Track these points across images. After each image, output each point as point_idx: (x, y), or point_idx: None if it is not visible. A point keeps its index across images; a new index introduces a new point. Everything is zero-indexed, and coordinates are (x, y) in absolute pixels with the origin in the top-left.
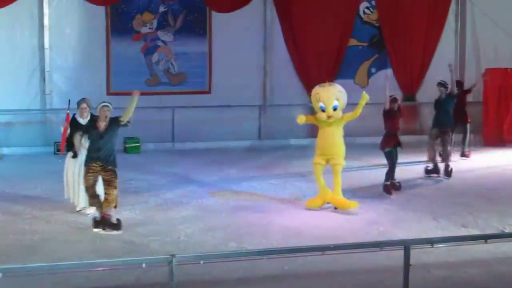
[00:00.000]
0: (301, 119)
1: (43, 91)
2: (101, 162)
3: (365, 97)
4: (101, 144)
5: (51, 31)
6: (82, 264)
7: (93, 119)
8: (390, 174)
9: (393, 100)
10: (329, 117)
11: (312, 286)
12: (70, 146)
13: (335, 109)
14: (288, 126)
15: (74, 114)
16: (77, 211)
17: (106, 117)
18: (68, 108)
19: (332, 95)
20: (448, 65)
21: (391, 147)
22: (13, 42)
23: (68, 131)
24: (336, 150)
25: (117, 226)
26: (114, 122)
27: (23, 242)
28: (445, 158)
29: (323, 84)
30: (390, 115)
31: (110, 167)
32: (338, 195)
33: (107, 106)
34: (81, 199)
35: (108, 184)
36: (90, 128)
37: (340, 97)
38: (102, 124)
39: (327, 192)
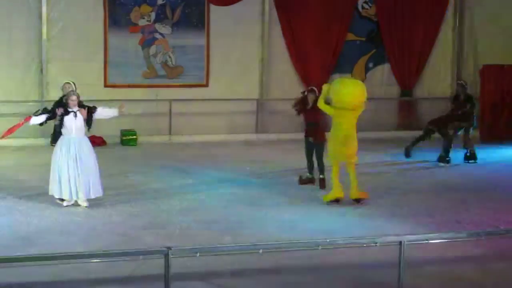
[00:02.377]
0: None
1: (40, 82)
2: None
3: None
4: None
5: (49, 22)
6: (78, 256)
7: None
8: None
9: (311, 90)
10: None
11: (307, 280)
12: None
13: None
14: (285, 120)
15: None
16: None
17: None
18: (34, 114)
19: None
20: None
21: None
22: (10, 34)
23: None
24: (352, 150)
25: None
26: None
27: (18, 234)
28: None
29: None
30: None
31: None
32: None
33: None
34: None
35: None
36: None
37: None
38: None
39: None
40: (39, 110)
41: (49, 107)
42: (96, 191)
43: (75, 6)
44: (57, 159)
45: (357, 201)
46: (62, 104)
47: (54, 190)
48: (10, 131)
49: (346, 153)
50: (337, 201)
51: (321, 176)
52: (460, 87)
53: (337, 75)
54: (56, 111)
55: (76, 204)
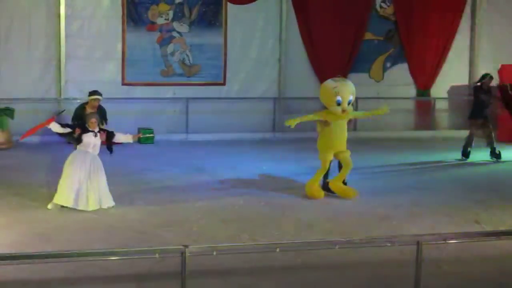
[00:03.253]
0: (291, 122)
1: (59, 80)
2: None
3: (385, 110)
4: None
5: (67, 20)
6: (95, 253)
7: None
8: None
9: None
10: (343, 111)
11: (324, 279)
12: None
13: (349, 103)
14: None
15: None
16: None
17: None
18: (57, 114)
19: (350, 90)
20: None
21: None
22: (29, 31)
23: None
24: (345, 143)
25: None
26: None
27: (36, 231)
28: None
29: (337, 79)
30: None
31: None
32: (340, 182)
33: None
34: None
35: None
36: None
37: (354, 93)
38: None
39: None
40: (62, 110)
41: (67, 115)
42: (109, 201)
43: (93, 4)
44: (72, 171)
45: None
46: (81, 123)
47: (65, 200)
48: (31, 131)
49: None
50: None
51: None
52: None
53: (355, 74)
54: (76, 130)
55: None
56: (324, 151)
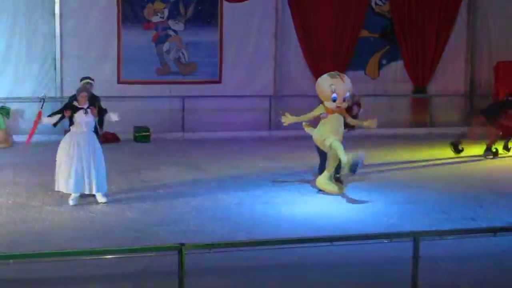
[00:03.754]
0: (287, 120)
1: (54, 79)
2: None
3: (373, 124)
4: None
5: (62, 19)
6: (92, 252)
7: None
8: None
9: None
10: (338, 107)
11: (321, 276)
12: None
13: (344, 99)
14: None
15: (73, 101)
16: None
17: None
18: (41, 104)
19: (346, 87)
20: None
21: None
22: (25, 30)
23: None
24: (341, 137)
25: None
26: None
27: (33, 229)
28: None
29: (333, 74)
30: None
31: None
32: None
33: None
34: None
35: None
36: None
37: (351, 89)
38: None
39: None
40: (43, 97)
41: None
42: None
43: (89, 3)
44: (68, 154)
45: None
46: (71, 104)
47: (63, 186)
48: (30, 135)
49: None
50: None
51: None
52: None
53: (351, 71)
54: (65, 113)
55: (88, 202)
56: (330, 136)
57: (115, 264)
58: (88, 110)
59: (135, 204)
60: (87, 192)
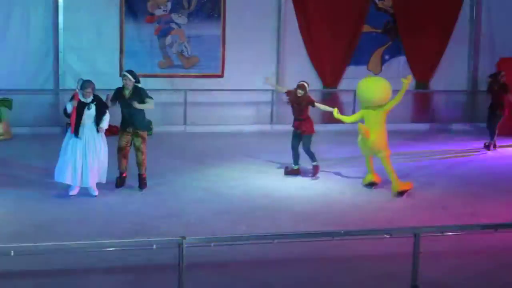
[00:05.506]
0: (340, 117)
1: (57, 71)
2: (133, 128)
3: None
4: (129, 111)
5: (65, 11)
6: (93, 245)
7: (119, 90)
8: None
9: (300, 86)
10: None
11: (321, 271)
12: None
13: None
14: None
15: (76, 91)
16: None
17: (127, 85)
18: (77, 88)
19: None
20: None
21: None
22: (27, 22)
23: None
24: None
25: (141, 185)
26: (138, 94)
27: (35, 222)
28: None
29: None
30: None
31: (140, 133)
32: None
33: (125, 75)
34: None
35: (137, 149)
36: (118, 96)
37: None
38: (126, 92)
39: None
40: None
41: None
42: (103, 177)
43: None
44: (68, 146)
45: (400, 193)
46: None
47: (62, 176)
48: (73, 121)
49: (370, 147)
50: (371, 184)
51: (314, 163)
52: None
53: (353, 67)
54: (67, 107)
55: (84, 193)
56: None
57: (116, 256)
58: (92, 104)
59: (137, 197)
60: (78, 185)
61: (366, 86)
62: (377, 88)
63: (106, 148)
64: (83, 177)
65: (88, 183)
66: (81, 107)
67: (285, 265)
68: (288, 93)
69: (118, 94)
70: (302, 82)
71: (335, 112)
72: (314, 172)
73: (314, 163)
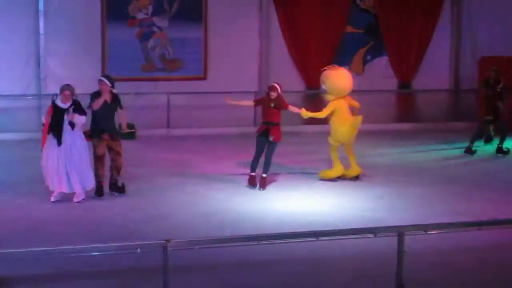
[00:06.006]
0: (305, 113)
1: (38, 76)
2: (109, 134)
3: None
4: (106, 115)
5: (46, 16)
6: (77, 249)
7: (98, 93)
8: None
9: (271, 88)
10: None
11: (306, 272)
12: (55, 132)
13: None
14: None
15: (54, 100)
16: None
17: (103, 90)
18: (52, 102)
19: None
20: None
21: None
22: (8, 27)
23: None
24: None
25: (123, 189)
26: (118, 99)
27: (19, 227)
28: None
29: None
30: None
31: (117, 137)
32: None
33: (102, 80)
34: (75, 184)
35: (117, 153)
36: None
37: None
38: (107, 97)
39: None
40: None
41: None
42: (90, 182)
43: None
44: (50, 153)
45: (357, 177)
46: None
47: (48, 183)
48: (44, 135)
49: (348, 137)
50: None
51: (264, 175)
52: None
53: None
54: (44, 117)
55: (68, 198)
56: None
57: (101, 260)
58: (70, 109)
59: (121, 201)
60: (64, 191)
61: (341, 76)
62: (349, 77)
63: (88, 153)
64: (66, 183)
65: (72, 189)
66: (60, 114)
67: (271, 266)
68: (258, 102)
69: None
70: (273, 84)
71: (304, 112)
72: (262, 184)
73: (265, 175)
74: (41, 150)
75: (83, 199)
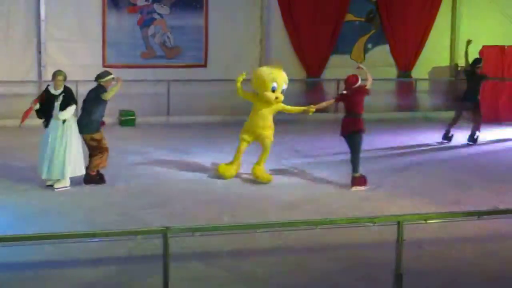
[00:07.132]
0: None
1: (39, 63)
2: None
3: (312, 110)
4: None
5: (47, 2)
6: (77, 235)
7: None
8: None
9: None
10: (276, 98)
11: (306, 260)
12: (44, 116)
13: (282, 92)
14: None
15: (48, 85)
16: (47, 185)
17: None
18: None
19: (284, 79)
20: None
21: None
22: (9, 14)
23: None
24: (265, 132)
25: (101, 180)
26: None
27: (18, 214)
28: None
29: (273, 66)
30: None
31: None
32: (260, 165)
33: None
34: (55, 172)
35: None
36: (47, 96)
37: (287, 83)
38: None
39: (239, 163)
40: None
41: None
42: (79, 169)
43: None
44: (41, 143)
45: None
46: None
47: (40, 170)
48: (26, 113)
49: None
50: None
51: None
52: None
53: (336, 56)
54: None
55: (74, 185)
56: (243, 131)
57: (100, 247)
58: (60, 96)
59: (121, 188)
60: (43, 177)
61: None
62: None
63: (80, 140)
64: (51, 169)
65: (57, 175)
66: (51, 100)
67: (270, 254)
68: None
69: (47, 94)
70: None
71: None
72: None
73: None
74: (19, 126)
75: (65, 187)
